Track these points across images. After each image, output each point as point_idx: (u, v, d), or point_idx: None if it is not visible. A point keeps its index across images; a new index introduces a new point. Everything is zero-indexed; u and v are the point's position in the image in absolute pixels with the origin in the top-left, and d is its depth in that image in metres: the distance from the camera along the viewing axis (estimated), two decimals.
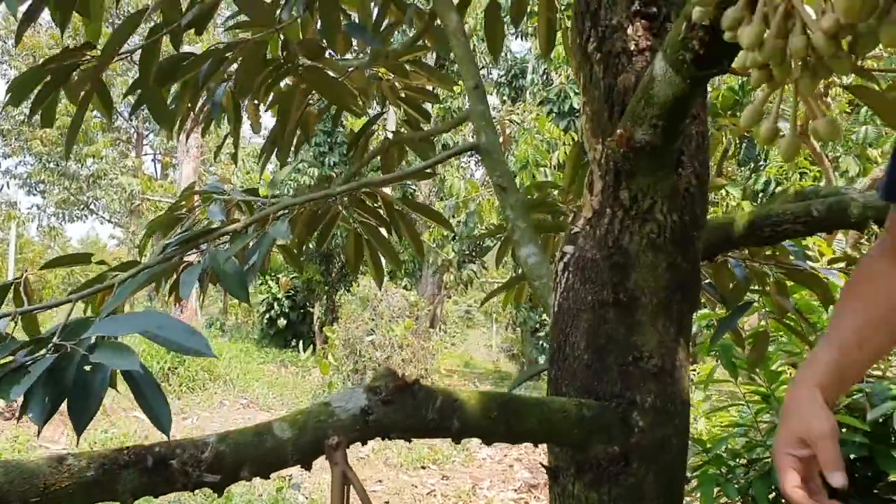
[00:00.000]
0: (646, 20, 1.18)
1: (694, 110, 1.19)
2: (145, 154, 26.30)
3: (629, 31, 1.18)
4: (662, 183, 1.17)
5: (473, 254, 14.01)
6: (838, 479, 0.88)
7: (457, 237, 12.74)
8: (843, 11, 0.66)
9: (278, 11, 1.89)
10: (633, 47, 1.18)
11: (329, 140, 14.32)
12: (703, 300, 2.20)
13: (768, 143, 0.82)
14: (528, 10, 2.27)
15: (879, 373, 2.26)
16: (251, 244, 1.69)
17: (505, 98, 16.16)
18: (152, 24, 1.83)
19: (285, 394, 10.10)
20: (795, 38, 0.72)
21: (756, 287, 2.00)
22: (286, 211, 1.75)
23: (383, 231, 2.24)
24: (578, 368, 1.22)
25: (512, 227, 1.66)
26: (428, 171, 2.02)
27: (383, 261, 2.30)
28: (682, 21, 0.90)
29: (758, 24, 0.71)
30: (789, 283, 1.99)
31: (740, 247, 1.53)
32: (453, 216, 12.93)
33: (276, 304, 14.86)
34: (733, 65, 0.79)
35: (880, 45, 0.72)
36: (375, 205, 2.25)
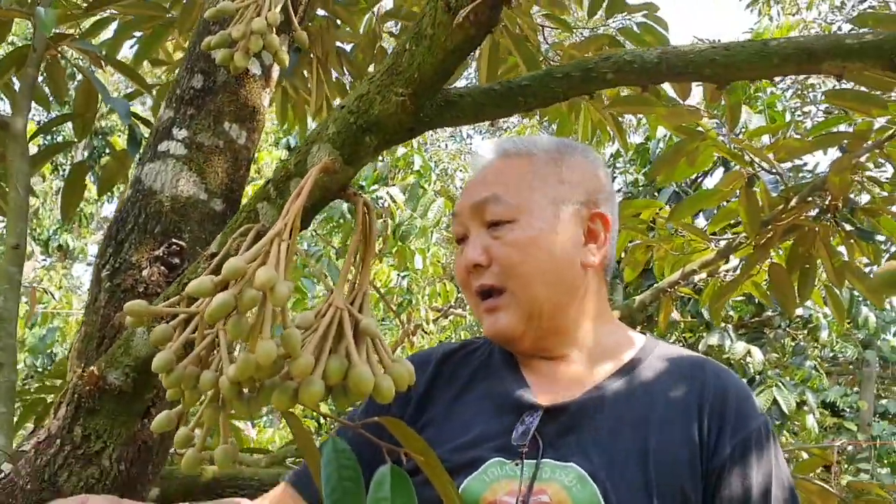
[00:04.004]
0: (165, 268, 1.21)
1: None
2: None
3: (145, 272, 1.19)
4: (122, 429, 1.14)
5: None
6: None
7: None
8: (238, 370, 0.73)
9: None
10: (142, 289, 1.19)
11: None
12: None
13: (181, 448, 0.85)
14: None
15: None
16: None
17: None
18: None
19: None
20: (208, 373, 0.77)
21: None
22: None
23: None
24: None
25: None
26: None
27: None
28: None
29: (169, 353, 0.75)
30: None
31: (200, 500, 1.54)
32: None
33: None
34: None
35: None
36: None
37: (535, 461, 0.93)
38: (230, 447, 0.82)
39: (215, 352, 0.79)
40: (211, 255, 0.89)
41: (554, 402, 0.98)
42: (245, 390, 0.79)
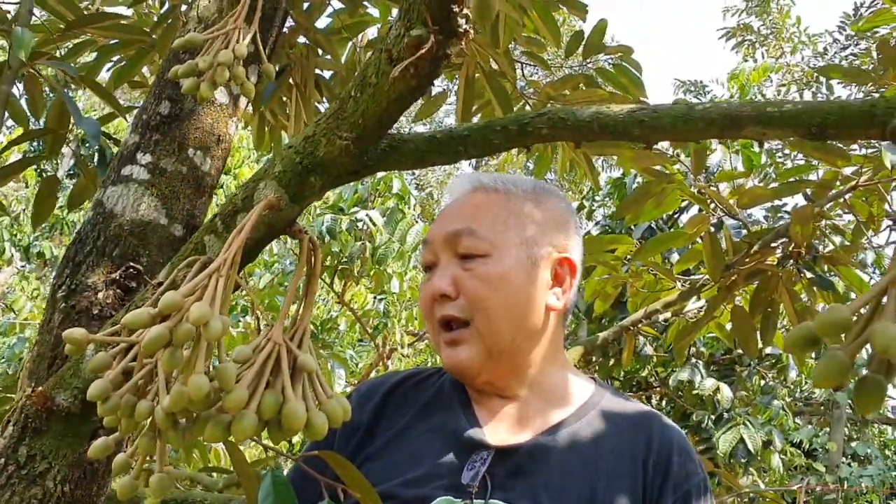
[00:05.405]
0: (121, 291, 1.22)
1: None
2: None
3: (100, 294, 1.20)
4: (68, 451, 1.14)
5: None
6: None
7: None
8: (171, 402, 0.74)
9: None
10: (96, 311, 1.20)
11: None
12: None
13: (118, 475, 0.85)
14: None
15: None
16: None
17: None
18: None
19: None
20: (144, 402, 0.78)
21: None
22: None
23: None
24: None
25: None
26: None
27: None
28: None
29: (104, 382, 0.76)
30: None
31: None
32: None
33: None
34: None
35: None
36: None
37: (482, 501, 0.94)
38: (165, 477, 0.83)
39: (155, 380, 0.81)
40: (158, 284, 0.90)
41: (504, 442, 0.99)
42: (182, 420, 0.80)
